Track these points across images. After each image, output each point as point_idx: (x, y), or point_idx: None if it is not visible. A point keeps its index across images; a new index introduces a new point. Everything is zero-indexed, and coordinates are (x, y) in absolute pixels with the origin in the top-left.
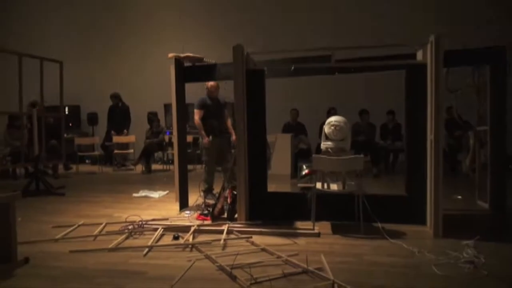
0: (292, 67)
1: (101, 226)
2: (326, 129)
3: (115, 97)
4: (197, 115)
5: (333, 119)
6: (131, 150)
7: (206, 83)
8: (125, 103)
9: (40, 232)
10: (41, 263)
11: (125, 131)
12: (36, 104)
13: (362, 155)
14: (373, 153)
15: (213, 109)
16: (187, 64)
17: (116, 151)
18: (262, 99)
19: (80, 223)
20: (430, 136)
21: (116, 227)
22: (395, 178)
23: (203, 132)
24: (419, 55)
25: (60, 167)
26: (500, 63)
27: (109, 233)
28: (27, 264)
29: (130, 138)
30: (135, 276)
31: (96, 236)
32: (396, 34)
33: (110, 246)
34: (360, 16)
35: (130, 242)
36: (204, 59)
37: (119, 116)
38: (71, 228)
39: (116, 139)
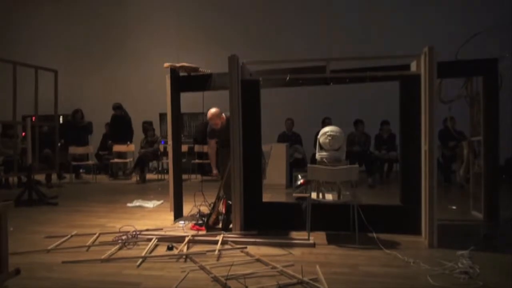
0: (288, 78)
1: (94, 237)
2: (322, 139)
3: (119, 108)
4: (210, 144)
5: (328, 129)
6: (129, 159)
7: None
8: (128, 114)
9: (32, 242)
10: (33, 274)
11: (128, 142)
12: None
13: (357, 165)
14: (367, 163)
15: (222, 134)
16: (182, 73)
17: (114, 160)
18: (257, 109)
19: (73, 233)
20: (424, 147)
21: (109, 238)
22: (389, 188)
23: (214, 163)
24: (413, 66)
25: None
26: (492, 74)
27: (102, 243)
28: (18, 275)
29: (130, 148)
30: (128, 287)
31: (89, 246)
32: (390, 45)
33: (103, 256)
34: (355, 27)
35: (124, 252)
36: (200, 68)
37: (123, 127)
38: (64, 239)
39: (117, 148)
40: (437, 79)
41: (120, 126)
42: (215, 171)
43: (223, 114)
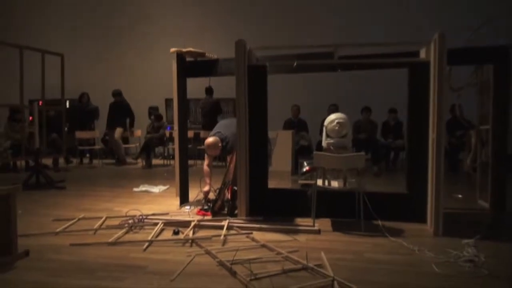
0: (295, 64)
1: (101, 220)
2: (329, 126)
3: (119, 94)
4: (206, 160)
5: (335, 116)
6: (135, 144)
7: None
8: (125, 100)
9: (41, 225)
10: (41, 256)
11: (132, 128)
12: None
13: (363, 153)
14: (374, 151)
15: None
16: (189, 59)
17: (84, 147)
18: (263, 95)
19: (80, 216)
20: (432, 135)
21: (116, 222)
22: (395, 176)
23: (208, 180)
24: (422, 53)
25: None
26: (504, 62)
27: (109, 227)
28: (27, 257)
29: (94, 134)
30: (134, 270)
31: (96, 230)
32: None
33: (110, 240)
34: (364, 13)
35: (130, 236)
36: (206, 54)
37: (121, 113)
38: (71, 222)
39: (80, 134)
40: (447, 67)
41: (117, 112)
42: (207, 187)
43: (219, 144)
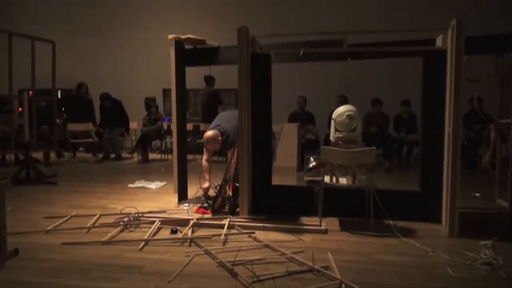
0: (301, 52)
1: (95, 218)
2: (338, 119)
3: (106, 98)
4: (205, 155)
5: (344, 109)
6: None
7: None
8: (115, 99)
9: (31, 222)
10: (32, 255)
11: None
12: None
13: (374, 148)
14: (385, 145)
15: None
16: (188, 46)
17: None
18: (267, 85)
19: (72, 214)
20: (448, 129)
21: (110, 219)
22: (408, 173)
23: (207, 176)
24: (439, 41)
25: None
26: None
27: (103, 225)
28: (16, 256)
29: (87, 127)
30: (130, 271)
31: (89, 228)
32: (414, 18)
33: (104, 239)
34: None
35: (125, 235)
36: (207, 41)
37: (114, 113)
38: (63, 219)
39: (72, 127)
40: (465, 56)
41: (111, 115)
42: (207, 184)
43: (219, 138)
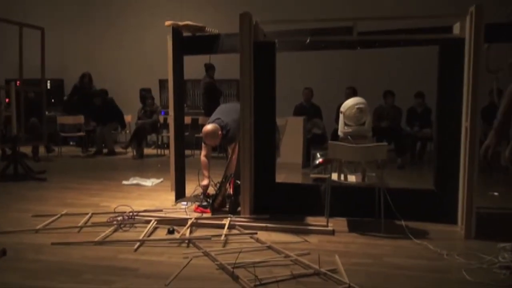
0: (308, 40)
1: (87, 217)
2: (348, 112)
3: (99, 95)
4: (204, 151)
5: (353, 102)
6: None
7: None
8: (106, 98)
9: (19, 221)
10: (20, 256)
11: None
12: None
13: (385, 143)
14: (397, 141)
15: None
16: (186, 34)
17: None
18: (271, 76)
19: (63, 212)
20: (465, 123)
21: (103, 218)
22: (421, 170)
23: (206, 173)
24: (456, 29)
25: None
26: None
27: (95, 224)
28: (4, 257)
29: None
30: (124, 273)
31: (81, 227)
32: (429, 4)
33: (96, 239)
34: None
35: (119, 235)
36: (206, 28)
37: (109, 111)
38: (53, 218)
39: (62, 119)
40: (484, 44)
41: (101, 110)
42: (206, 180)
43: (219, 132)
